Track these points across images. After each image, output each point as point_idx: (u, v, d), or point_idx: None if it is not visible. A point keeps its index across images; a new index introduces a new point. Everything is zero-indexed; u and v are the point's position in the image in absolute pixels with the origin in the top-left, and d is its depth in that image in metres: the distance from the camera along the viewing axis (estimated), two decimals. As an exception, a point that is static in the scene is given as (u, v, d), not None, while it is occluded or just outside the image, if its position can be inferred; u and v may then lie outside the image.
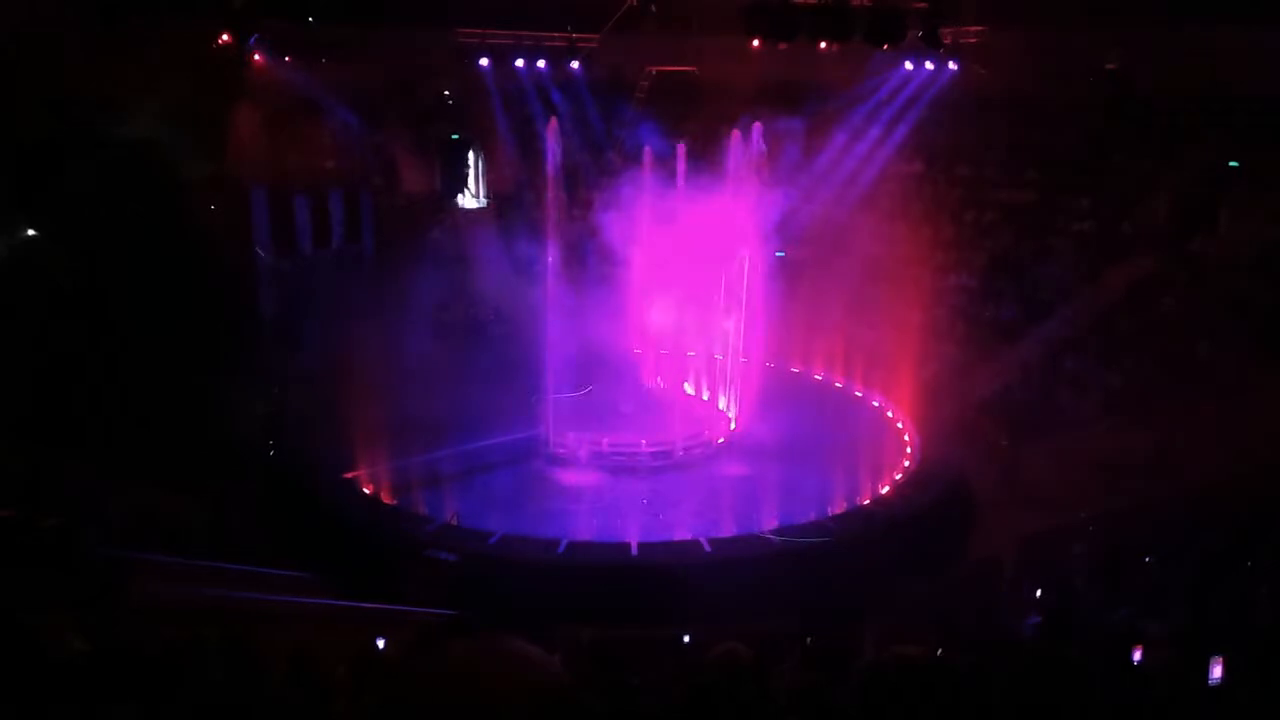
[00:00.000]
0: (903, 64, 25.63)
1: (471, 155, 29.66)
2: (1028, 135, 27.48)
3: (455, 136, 29.12)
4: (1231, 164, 24.33)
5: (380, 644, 9.84)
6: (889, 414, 21.90)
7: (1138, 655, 7.17)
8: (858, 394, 23.26)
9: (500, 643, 2.02)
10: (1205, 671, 6.13)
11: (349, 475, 18.30)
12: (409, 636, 9.82)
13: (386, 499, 18.08)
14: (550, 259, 19.96)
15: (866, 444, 19.80)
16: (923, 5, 24.10)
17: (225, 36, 23.40)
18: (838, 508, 17.92)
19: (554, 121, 20.50)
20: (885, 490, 18.63)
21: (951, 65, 25.37)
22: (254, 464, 18.93)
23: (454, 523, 17.00)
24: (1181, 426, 18.38)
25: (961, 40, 25.40)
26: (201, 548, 15.46)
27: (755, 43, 25.17)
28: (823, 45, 24.87)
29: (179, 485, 16.72)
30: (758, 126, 20.65)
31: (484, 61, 26.29)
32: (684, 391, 22.55)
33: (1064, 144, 27.12)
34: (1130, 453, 18.53)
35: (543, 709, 1.95)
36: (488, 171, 29.74)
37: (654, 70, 28.07)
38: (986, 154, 28.08)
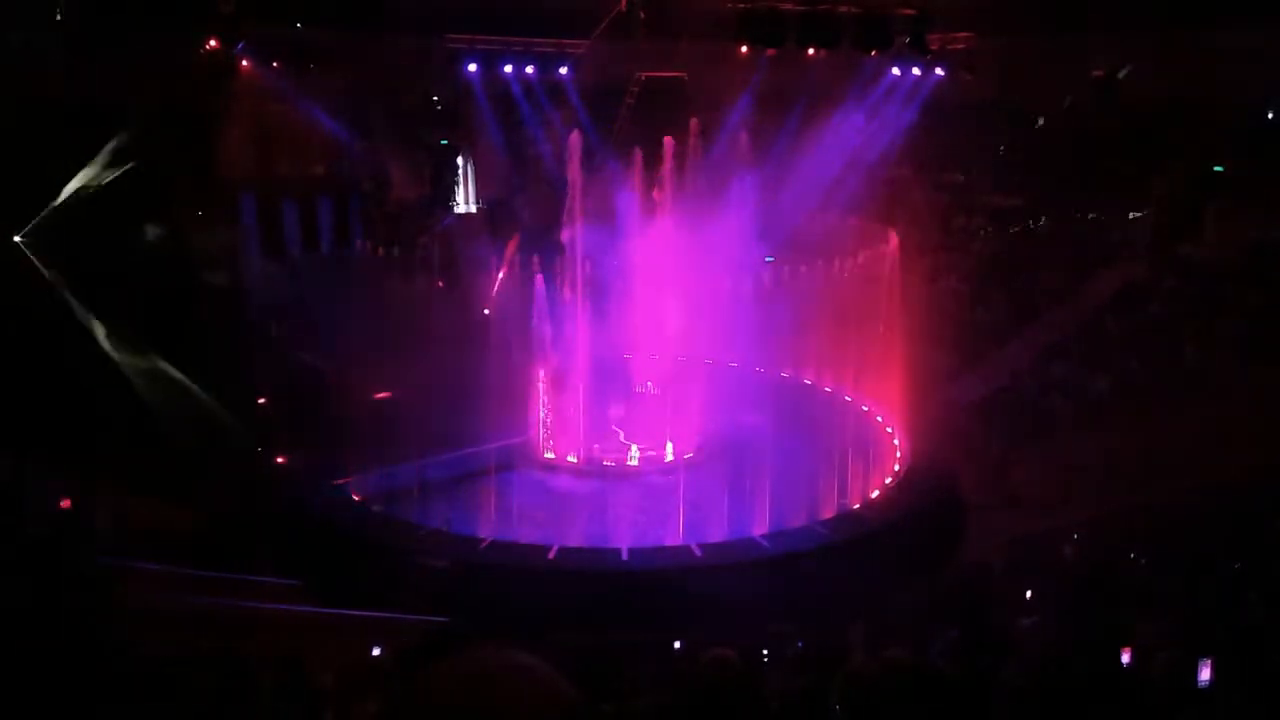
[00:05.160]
0: (890, 70, 25.72)
1: (460, 160, 29.63)
2: (1015, 140, 27.61)
3: (444, 142, 29.09)
4: (1217, 168, 24.50)
5: (375, 653, 9.81)
6: (878, 418, 21.93)
7: (1126, 657, 7.20)
8: (846, 398, 23.29)
9: (509, 657, 1.99)
10: (1194, 673, 6.16)
11: (338, 482, 18.24)
12: (407, 646, 9.78)
13: (376, 506, 18.02)
14: (540, 264, 19.97)
15: (856, 448, 19.82)
16: (910, 11, 24.19)
17: (213, 42, 23.33)
18: (827, 512, 17.93)
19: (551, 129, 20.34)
20: (874, 494, 18.66)
21: (939, 71, 25.47)
22: (243, 471, 18.84)
23: (445, 528, 16.97)
24: (1170, 429, 18.47)
25: (949, 46, 25.50)
26: (190, 556, 15.38)
27: (743, 49, 25.22)
28: (810, 51, 24.94)
29: (168, 493, 16.64)
30: (746, 132, 20.67)
31: (472, 67, 26.26)
32: (674, 396, 22.53)
33: (1051, 149, 27.24)
34: (1119, 456, 18.61)
35: None
36: (477, 176, 29.70)
37: (643, 76, 28.08)
38: (975, 159, 28.18)
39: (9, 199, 19.45)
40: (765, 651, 11.72)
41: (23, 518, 13.26)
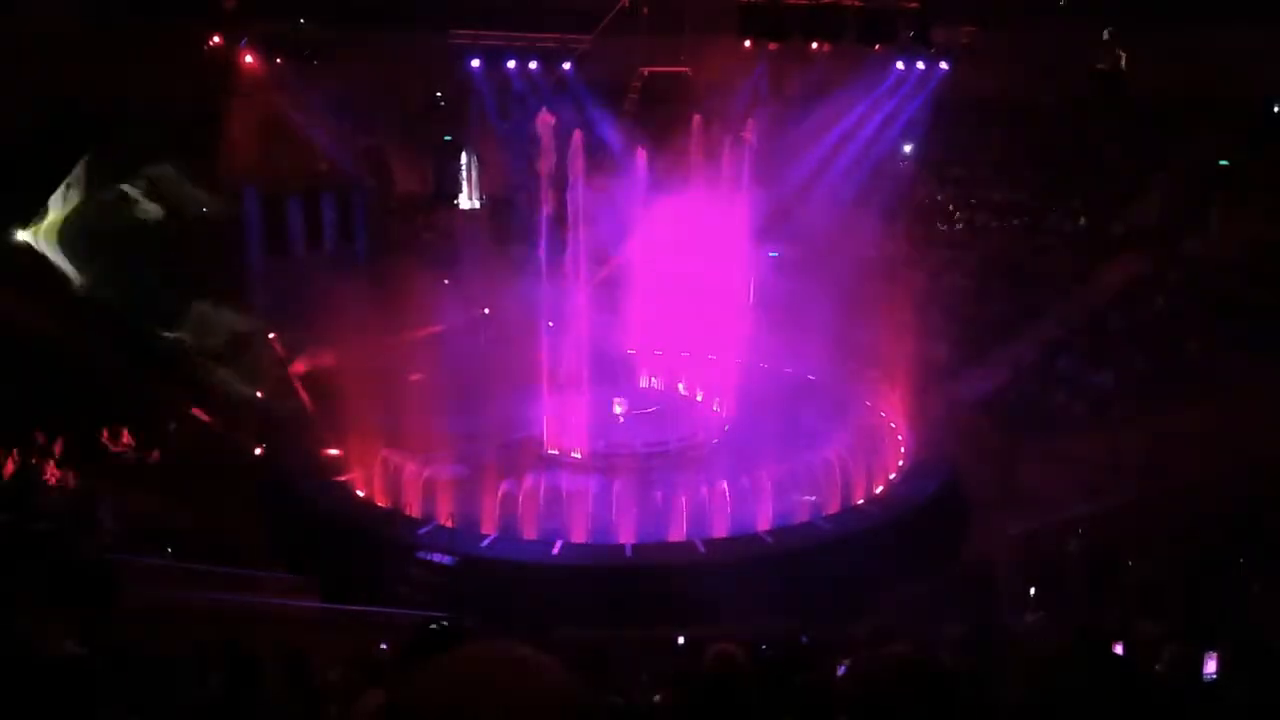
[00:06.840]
0: (894, 64, 25.67)
1: (464, 156, 29.59)
2: (1019, 135, 27.54)
3: (448, 138, 29.06)
4: (1222, 163, 24.42)
5: (382, 647, 9.81)
6: (882, 414, 21.89)
7: (1119, 649, 7.19)
8: (852, 394, 23.24)
9: (511, 651, 1.97)
10: (1200, 667, 6.15)
11: (342, 478, 18.25)
12: (409, 640, 9.78)
13: (380, 501, 18.03)
14: (543, 260, 19.94)
15: (860, 444, 19.77)
16: (914, 5, 24.15)
17: (216, 38, 23.33)
18: (831, 507, 17.91)
19: (546, 118, 20.16)
20: (879, 490, 18.63)
21: (943, 65, 25.42)
22: (246, 466, 18.86)
23: (449, 524, 16.98)
24: (1173, 425, 18.41)
25: (953, 41, 25.44)
26: (194, 550, 15.40)
27: (748, 43, 25.19)
28: (815, 45, 24.90)
29: (171, 488, 16.67)
30: (750, 126, 20.62)
31: (476, 63, 26.21)
32: (677, 392, 22.53)
33: (1055, 144, 27.17)
34: (1122, 451, 18.55)
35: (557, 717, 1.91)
36: (481, 173, 29.67)
37: (646, 71, 28.03)
38: (978, 154, 28.11)
39: (13, 198, 19.49)
40: (768, 646, 11.71)
41: (29, 513, 13.28)
